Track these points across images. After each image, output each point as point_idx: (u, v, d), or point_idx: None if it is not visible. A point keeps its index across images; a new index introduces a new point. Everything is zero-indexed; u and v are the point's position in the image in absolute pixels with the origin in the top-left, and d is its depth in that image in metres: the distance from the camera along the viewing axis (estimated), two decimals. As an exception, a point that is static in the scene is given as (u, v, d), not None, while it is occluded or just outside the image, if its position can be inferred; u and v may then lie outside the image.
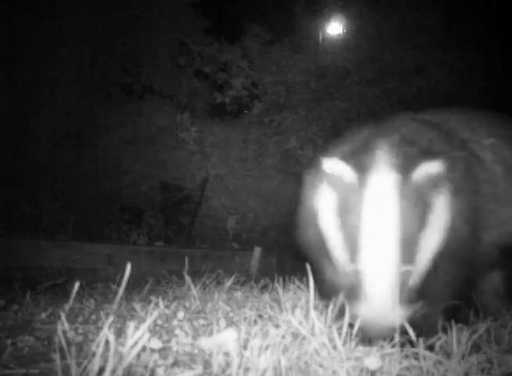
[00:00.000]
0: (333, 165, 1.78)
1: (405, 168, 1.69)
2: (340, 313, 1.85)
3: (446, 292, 1.86)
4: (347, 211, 1.71)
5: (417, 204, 1.66)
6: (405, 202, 1.63)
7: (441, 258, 1.81)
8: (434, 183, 1.69)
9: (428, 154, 1.75)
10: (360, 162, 1.76)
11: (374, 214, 1.64)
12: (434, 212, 1.70)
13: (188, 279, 2.61)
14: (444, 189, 1.75)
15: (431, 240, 1.70)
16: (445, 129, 2.08)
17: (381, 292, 1.57)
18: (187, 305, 2.41)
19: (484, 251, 2.01)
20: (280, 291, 2.38)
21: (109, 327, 1.37)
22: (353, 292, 1.65)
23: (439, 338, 1.65)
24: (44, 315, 2.09)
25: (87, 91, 7.36)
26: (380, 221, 1.62)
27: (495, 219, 2.03)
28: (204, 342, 1.65)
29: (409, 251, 1.62)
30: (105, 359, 1.24)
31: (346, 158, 1.80)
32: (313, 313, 1.73)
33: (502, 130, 2.30)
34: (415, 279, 1.67)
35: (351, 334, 1.71)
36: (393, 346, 1.56)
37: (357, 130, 2.03)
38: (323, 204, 1.85)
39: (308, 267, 1.92)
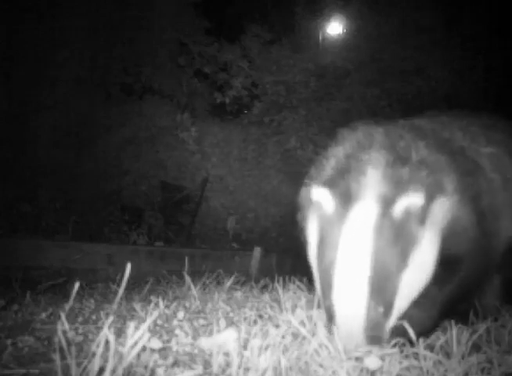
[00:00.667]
0: (317, 193, 1.71)
1: (386, 199, 1.59)
2: None
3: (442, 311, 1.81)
4: (325, 243, 1.64)
5: (398, 240, 1.54)
6: (383, 237, 1.54)
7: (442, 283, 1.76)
8: (417, 218, 1.58)
9: (413, 183, 1.64)
10: (341, 190, 1.68)
11: (349, 248, 1.56)
12: (418, 249, 1.58)
13: (188, 279, 2.61)
14: (430, 223, 1.63)
15: (414, 280, 1.59)
16: (440, 140, 1.97)
17: (350, 330, 1.51)
18: (187, 305, 2.41)
19: (487, 265, 1.98)
20: (280, 291, 2.38)
21: (109, 327, 1.37)
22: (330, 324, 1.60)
23: (439, 338, 1.65)
24: (44, 315, 2.09)
25: (87, 91, 7.36)
26: (354, 257, 1.54)
27: (497, 228, 1.99)
28: (204, 342, 1.65)
29: (386, 292, 1.53)
30: (105, 359, 1.24)
31: (329, 184, 1.73)
32: (314, 313, 1.73)
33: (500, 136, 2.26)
34: (393, 317, 1.57)
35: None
36: (393, 346, 1.56)
37: (344, 143, 1.91)
38: (309, 232, 1.80)
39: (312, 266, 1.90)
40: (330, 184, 1.74)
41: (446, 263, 1.74)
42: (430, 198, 1.63)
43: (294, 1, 9.03)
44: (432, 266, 1.65)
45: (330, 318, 1.59)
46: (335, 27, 9.39)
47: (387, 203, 1.59)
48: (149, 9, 7.92)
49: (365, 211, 1.60)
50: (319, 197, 1.71)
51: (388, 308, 1.55)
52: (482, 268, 1.91)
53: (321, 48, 9.19)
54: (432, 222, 1.65)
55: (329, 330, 1.59)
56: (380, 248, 1.54)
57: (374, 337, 1.52)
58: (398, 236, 1.56)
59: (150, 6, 7.93)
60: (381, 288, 1.52)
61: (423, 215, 1.60)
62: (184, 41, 8.33)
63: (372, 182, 1.65)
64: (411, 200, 1.58)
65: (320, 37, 9.33)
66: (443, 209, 1.70)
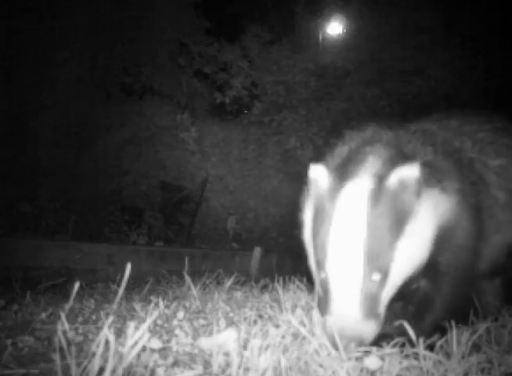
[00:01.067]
0: (316, 171, 1.73)
1: (381, 173, 1.60)
2: None
3: (445, 308, 1.80)
4: (320, 218, 1.64)
5: (392, 212, 1.54)
6: (378, 208, 1.54)
7: (440, 271, 1.77)
8: (412, 189, 1.58)
9: (408, 158, 1.65)
10: (337, 168, 1.71)
11: (343, 221, 1.56)
12: (415, 221, 1.59)
13: (188, 279, 2.61)
14: (427, 195, 1.64)
15: (409, 251, 1.58)
16: (450, 149, 1.96)
17: (347, 303, 1.50)
18: (187, 305, 2.41)
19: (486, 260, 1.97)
20: (280, 291, 2.38)
21: (109, 327, 1.37)
22: (323, 302, 1.59)
23: (439, 338, 1.65)
24: (44, 315, 2.09)
25: (87, 91, 7.36)
26: (348, 229, 1.54)
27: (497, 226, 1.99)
28: (204, 342, 1.65)
29: (381, 262, 1.52)
30: (105, 359, 1.24)
31: (327, 164, 1.76)
32: (314, 313, 1.73)
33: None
34: (388, 290, 1.56)
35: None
36: (393, 346, 1.56)
37: (349, 136, 1.95)
38: (306, 210, 1.81)
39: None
40: (328, 164, 1.78)
41: (439, 267, 1.75)
42: (425, 171, 1.62)
43: (294, 1, 9.03)
44: (428, 240, 1.65)
45: (325, 294, 1.58)
46: (335, 27, 9.38)
47: (382, 176, 1.59)
48: (149, 9, 7.92)
49: (360, 184, 1.60)
50: (316, 174, 1.72)
51: (384, 279, 1.54)
52: (471, 276, 1.90)
53: (321, 48, 9.19)
54: (430, 200, 1.65)
55: (323, 313, 1.58)
56: (374, 219, 1.54)
57: (371, 310, 1.51)
58: (392, 207, 1.56)
59: (150, 6, 7.93)
60: (375, 258, 1.51)
61: (418, 187, 1.59)
62: (184, 41, 8.33)
63: (369, 160, 1.67)
64: (406, 171, 1.58)
65: (320, 37, 9.32)
66: (441, 201, 1.70)
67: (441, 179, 1.73)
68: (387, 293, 1.57)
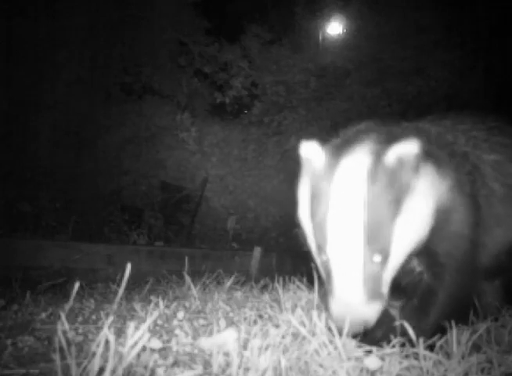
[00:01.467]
0: (308, 149, 1.69)
1: (378, 150, 1.56)
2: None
3: (447, 303, 1.77)
4: (317, 199, 1.60)
5: (390, 190, 1.51)
6: (375, 187, 1.50)
7: (441, 263, 1.75)
8: (410, 166, 1.54)
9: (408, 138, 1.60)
10: (333, 148, 1.68)
11: (341, 201, 1.52)
12: (413, 198, 1.55)
13: (188, 279, 2.61)
14: (425, 171, 1.61)
15: (409, 228, 1.55)
16: (444, 142, 1.93)
17: (348, 284, 1.48)
18: (187, 305, 2.41)
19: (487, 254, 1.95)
20: (280, 291, 2.38)
21: (109, 327, 1.37)
22: (326, 285, 1.57)
23: (439, 338, 1.65)
24: (44, 315, 2.09)
25: (87, 91, 7.36)
26: (346, 209, 1.51)
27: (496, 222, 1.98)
28: (204, 342, 1.65)
29: (381, 241, 1.50)
30: (105, 359, 1.24)
31: (322, 144, 1.72)
32: (314, 313, 1.73)
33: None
34: (390, 270, 1.54)
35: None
36: (393, 346, 1.56)
37: (344, 130, 1.90)
38: (301, 191, 1.76)
39: (313, 266, 1.89)
40: (327, 142, 1.75)
41: (436, 261, 1.74)
42: (421, 148, 1.58)
43: (294, 1, 9.03)
44: (428, 216, 1.62)
45: (328, 277, 1.56)
46: (335, 27, 9.39)
47: (379, 153, 1.56)
48: (149, 9, 7.93)
49: (357, 161, 1.57)
50: (308, 152, 1.69)
51: (385, 259, 1.51)
52: (474, 270, 1.88)
53: (321, 48, 9.19)
54: (427, 174, 1.62)
55: (327, 295, 1.56)
56: (373, 197, 1.50)
57: (374, 291, 1.50)
58: (390, 184, 1.52)
59: (150, 6, 7.94)
60: (376, 239, 1.49)
61: (416, 164, 1.56)
62: (184, 41, 8.34)
63: (365, 141, 1.64)
64: (405, 147, 1.54)
65: (320, 37, 9.33)
66: (438, 180, 1.68)
67: (437, 165, 1.72)
68: (389, 273, 1.55)
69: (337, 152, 1.64)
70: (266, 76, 8.56)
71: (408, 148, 1.55)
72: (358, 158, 1.58)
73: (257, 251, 5.40)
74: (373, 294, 1.50)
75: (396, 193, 1.53)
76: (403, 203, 1.54)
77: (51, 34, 6.84)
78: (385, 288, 1.54)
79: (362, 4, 8.81)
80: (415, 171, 1.57)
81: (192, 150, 8.14)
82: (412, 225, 1.57)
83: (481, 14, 7.90)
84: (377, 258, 1.50)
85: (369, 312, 1.49)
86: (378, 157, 1.56)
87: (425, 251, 1.70)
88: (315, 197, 1.63)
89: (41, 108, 6.94)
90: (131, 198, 7.63)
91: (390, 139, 1.62)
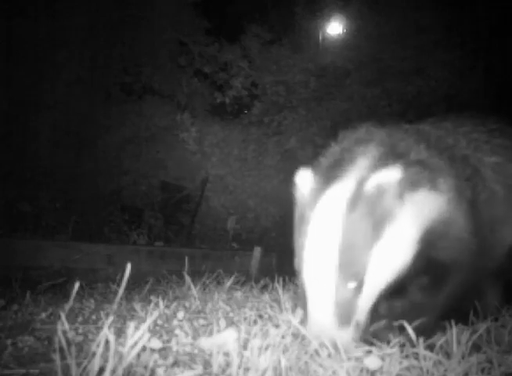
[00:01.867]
0: (301, 176, 1.74)
1: (363, 177, 1.57)
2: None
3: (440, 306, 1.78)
4: (302, 224, 1.64)
5: (370, 217, 1.51)
6: (353, 215, 1.52)
7: (441, 266, 1.74)
8: (391, 194, 1.53)
9: (400, 157, 1.63)
10: (325, 171, 1.71)
11: (319, 227, 1.55)
12: (395, 225, 1.55)
13: (188, 279, 2.61)
14: (413, 195, 1.60)
15: (389, 256, 1.55)
16: (443, 146, 1.93)
17: (321, 308, 1.50)
18: (187, 305, 2.41)
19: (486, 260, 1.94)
20: (280, 291, 2.38)
21: (109, 327, 1.37)
22: (303, 305, 1.60)
23: (439, 338, 1.65)
24: (44, 315, 2.09)
25: (87, 91, 7.36)
26: (324, 234, 1.53)
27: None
28: (204, 342, 1.65)
29: (356, 267, 1.50)
30: (105, 359, 1.24)
31: (319, 165, 1.77)
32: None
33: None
34: (367, 297, 1.54)
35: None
36: (393, 346, 1.56)
37: (343, 135, 1.93)
38: (295, 215, 1.80)
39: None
40: (320, 164, 1.78)
41: (437, 265, 1.74)
42: (414, 183, 1.59)
43: (294, 1, 9.02)
44: (413, 241, 1.60)
45: (304, 298, 1.59)
46: (335, 27, 9.38)
47: (363, 180, 1.57)
48: (149, 9, 7.92)
49: (340, 189, 1.59)
50: (300, 179, 1.74)
51: (360, 286, 1.52)
52: (476, 272, 1.88)
53: (321, 48, 9.19)
54: (414, 203, 1.61)
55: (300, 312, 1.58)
56: (350, 224, 1.52)
57: (346, 317, 1.51)
58: (369, 212, 1.53)
59: (150, 6, 7.93)
60: (350, 265, 1.50)
61: (400, 190, 1.56)
62: (184, 41, 8.33)
63: (357, 162, 1.65)
64: (386, 175, 1.54)
65: (320, 37, 9.32)
66: (430, 201, 1.67)
67: (434, 177, 1.71)
68: (366, 300, 1.55)
69: (326, 177, 1.66)
70: (266, 76, 8.56)
71: (389, 176, 1.54)
72: (341, 186, 1.59)
73: (257, 251, 5.40)
74: (345, 319, 1.50)
75: (375, 221, 1.53)
76: (383, 231, 1.54)
77: (51, 34, 6.83)
78: (361, 314, 1.54)
79: (362, 4, 8.80)
80: (398, 198, 1.56)
81: (192, 150, 8.14)
82: (393, 252, 1.56)
83: (481, 14, 7.89)
84: (352, 285, 1.51)
85: (341, 335, 1.49)
86: (362, 184, 1.56)
87: (426, 260, 1.69)
88: (300, 222, 1.67)
89: (41, 108, 6.94)
90: (131, 198, 7.63)
91: (386, 156, 1.63)
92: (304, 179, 1.73)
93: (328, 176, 1.66)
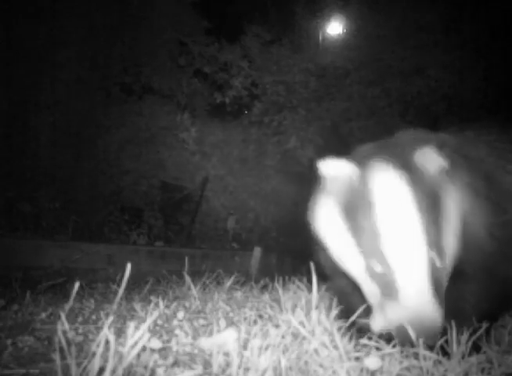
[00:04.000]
0: (335, 165, 1.67)
1: (409, 160, 1.58)
2: (342, 315, 1.85)
3: (474, 310, 1.70)
4: (354, 213, 1.57)
5: (431, 194, 1.53)
6: (420, 192, 1.50)
7: (466, 271, 1.68)
8: (443, 170, 1.57)
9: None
10: (363, 159, 1.66)
11: (389, 210, 1.51)
12: (448, 202, 1.57)
13: (188, 279, 2.61)
14: (453, 177, 1.63)
15: (451, 231, 1.56)
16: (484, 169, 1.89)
17: (416, 289, 1.43)
18: (187, 305, 2.41)
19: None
20: (280, 291, 2.38)
21: (109, 327, 1.37)
22: (382, 297, 1.50)
23: (439, 338, 1.65)
24: (44, 315, 2.09)
25: (87, 91, 7.35)
26: (399, 215, 1.49)
27: None
28: (204, 342, 1.65)
29: (438, 245, 1.48)
30: (105, 359, 1.24)
31: (348, 157, 1.71)
32: (314, 313, 1.73)
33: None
34: (448, 273, 1.53)
35: (351, 335, 1.71)
36: (393, 346, 1.56)
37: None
38: (325, 209, 1.71)
39: (312, 267, 1.87)
40: (353, 156, 1.74)
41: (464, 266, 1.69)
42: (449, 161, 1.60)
43: (294, 1, 9.03)
44: (459, 221, 1.62)
45: (387, 288, 1.49)
46: (335, 27, 9.38)
47: (413, 160, 1.58)
48: (149, 9, 7.92)
49: (396, 168, 1.56)
50: (341, 167, 1.66)
51: (444, 262, 1.51)
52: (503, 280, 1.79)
53: (321, 48, 9.19)
54: (455, 179, 1.64)
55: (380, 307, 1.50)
56: (421, 202, 1.50)
57: (438, 296, 1.46)
58: (430, 189, 1.54)
59: (150, 6, 7.93)
60: (434, 242, 1.48)
61: (448, 169, 1.59)
62: (184, 41, 8.33)
63: (397, 146, 1.66)
64: (434, 153, 1.57)
65: (320, 37, 9.33)
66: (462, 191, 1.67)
67: (459, 172, 1.71)
68: (447, 276, 1.53)
69: (367, 163, 1.63)
70: (266, 76, 8.56)
71: (438, 153, 1.58)
72: (396, 166, 1.57)
73: (257, 251, 5.40)
74: (438, 299, 1.45)
75: (436, 198, 1.55)
76: (442, 207, 1.55)
77: (51, 34, 6.83)
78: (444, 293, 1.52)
79: (362, 4, 8.80)
80: (447, 175, 1.60)
81: (192, 150, 8.14)
82: (453, 227, 1.58)
83: (481, 14, 7.89)
84: (438, 262, 1.49)
85: (438, 317, 1.44)
86: (413, 163, 1.57)
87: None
88: (351, 210, 1.60)
89: (41, 108, 6.94)
90: (131, 198, 7.62)
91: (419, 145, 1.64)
92: (340, 167, 1.66)
93: (370, 161, 1.63)
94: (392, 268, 1.47)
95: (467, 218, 1.68)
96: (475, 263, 1.70)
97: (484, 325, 1.64)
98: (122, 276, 1.80)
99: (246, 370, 1.40)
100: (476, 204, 1.72)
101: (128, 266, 1.80)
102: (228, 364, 1.43)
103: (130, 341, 1.30)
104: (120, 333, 1.79)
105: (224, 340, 1.59)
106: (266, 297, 2.69)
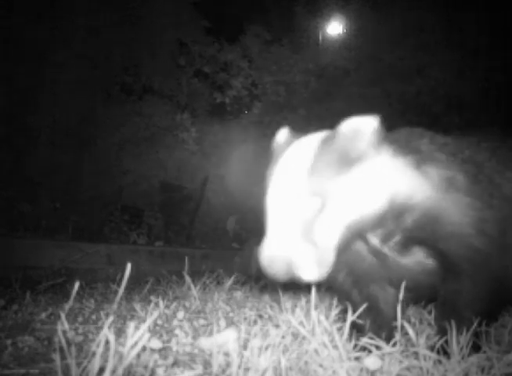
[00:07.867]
0: (280, 135, 1.81)
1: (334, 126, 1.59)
2: (342, 315, 1.85)
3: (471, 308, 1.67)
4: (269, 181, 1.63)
5: (338, 153, 1.51)
6: (323, 150, 1.53)
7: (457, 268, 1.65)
8: (366, 139, 1.53)
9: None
10: (301, 131, 1.75)
11: (287, 164, 1.58)
12: (365, 169, 1.53)
13: (188, 279, 2.61)
14: (388, 151, 1.60)
15: (354, 190, 1.53)
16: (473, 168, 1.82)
17: (280, 228, 1.48)
18: (187, 305, 2.41)
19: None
20: (280, 291, 2.38)
21: (109, 327, 1.37)
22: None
23: (439, 338, 1.65)
24: (44, 315, 2.09)
25: (87, 91, 7.36)
26: (289, 167, 1.55)
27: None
28: (204, 342, 1.65)
29: (320, 187, 1.49)
30: (105, 359, 1.24)
31: (293, 130, 1.81)
32: (313, 313, 1.73)
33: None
34: (331, 218, 1.50)
35: (351, 335, 1.71)
36: (393, 346, 1.56)
37: None
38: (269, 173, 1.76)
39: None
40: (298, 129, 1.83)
41: (446, 259, 1.67)
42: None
43: (294, 1, 9.03)
44: (378, 196, 1.57)
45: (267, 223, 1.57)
46: (335, 27, 9.39)
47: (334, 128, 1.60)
48: (149, 9, 7.93)
49: (311, 137, 1.65)
50: (279, 137, 1.82)
51: (323, 204, 1.50)
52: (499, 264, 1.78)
53: (321, 48, 9.19)
54: (390, 156, 1.61)
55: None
56: (318, 157, 1.54)
57: (307, 235, 1.47)
58: (339, 150, 1.54)
59: (150, 6, 7.93)
60: (312, 183, 1.49)
61: (374, 140, 1.55)
62: (184, 41, 8.34)
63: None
64: (362, 121, 1.55)
65: (320, 37, 9.33)
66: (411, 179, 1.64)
67: (424, 162, 1.67)
68: (330, 220, 1.50)
69: (303, 133, 1.74)
70: (266, 76, 8.57)
71: (365, 122, 1.55)
72: (315, 135, 1.65)
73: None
74: (306, 238, 1.47)
75: (345, 158, 1.53)
76: (353, 169, 1.53)
77: (51, 34, 6.83)
78: (325, 238, 1.50)
79: (362, 4, 8.80)
80: (371, 147, 1.56)
81: (193, 150, 8.14)
82: (359, 190, 1.54)
83: (482, 14, 7.89)
84: (313, 201, 1.49)
85: (297, 254, 1.46)
86: (337, 132, 1.58)
87: (431, 249, 1.66)
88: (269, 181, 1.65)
89: (41, 108, 6.94)
90: (131, 198, 7.62)
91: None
92: (282, 135, 1.80)
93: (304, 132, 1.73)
94: (268, 211, 1.54)
95: (445, 213, 1.65)
96: (468, 261, 1.67)
97: (484, 325, 1.64)
98: (122, 276, 1.80)
99: (247, 370, 1.40)
100: (457, 199, 1.69)
101: (128, 266, 1.80)
102: (228, 364, 1.43)
103: (130, 341, 1.30)
104: (120, 333, 1.79)
105: (224, 340, 1.59)
106: (266, 297, 2.68)
